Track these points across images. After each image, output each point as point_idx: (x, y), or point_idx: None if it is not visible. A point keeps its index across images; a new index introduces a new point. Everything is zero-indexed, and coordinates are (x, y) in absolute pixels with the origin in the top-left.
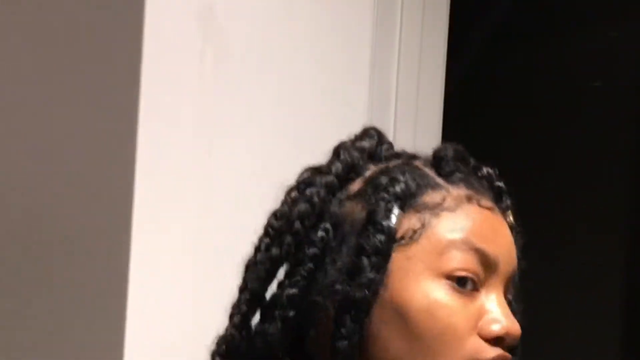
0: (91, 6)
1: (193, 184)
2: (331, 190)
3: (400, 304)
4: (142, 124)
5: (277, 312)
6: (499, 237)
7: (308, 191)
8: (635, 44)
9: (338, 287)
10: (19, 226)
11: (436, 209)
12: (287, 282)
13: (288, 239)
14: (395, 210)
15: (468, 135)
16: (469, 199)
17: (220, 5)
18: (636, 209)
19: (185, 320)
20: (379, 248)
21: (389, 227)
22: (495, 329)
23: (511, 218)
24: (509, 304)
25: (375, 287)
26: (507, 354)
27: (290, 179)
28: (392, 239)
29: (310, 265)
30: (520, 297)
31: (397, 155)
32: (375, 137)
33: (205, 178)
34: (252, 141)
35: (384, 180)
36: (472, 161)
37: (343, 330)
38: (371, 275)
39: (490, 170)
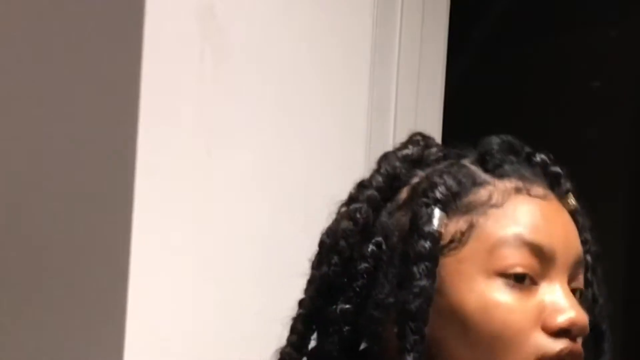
0: (91, 6)
1: (193, 183)
2: (375, 204)
3: (456, 308)
4: (142, 124)
5: (331, 329)
6: (553, 225)
7: (352, 207)
8: (635, 44)
9: (391, 299)
10: (19, 226)
11: (483, 207)
12: (341, 298)
13: (334, 257)
14: (437, 214)
15: (468, 135)
16: (517, 190)
17: (220, 5)
18: (636, 209)
19: (185, 320)
20: (424, 255)
21: (432, 232)
22: (558, 320)
23: (572, 201)
24: (579, 293)
25: (428, 294)
26: (577, 345)
27: (289, 179)
28: (437, 243)
29: (363, 280)
30: (602, 283)
31: (445, 156)
32: (421, 142)
33: (205, 178)
34: (252, 141)
35: (424, 185)
36: (525, 149)
37: (407, 345)
38: (422, 282)
39: (544, 156)
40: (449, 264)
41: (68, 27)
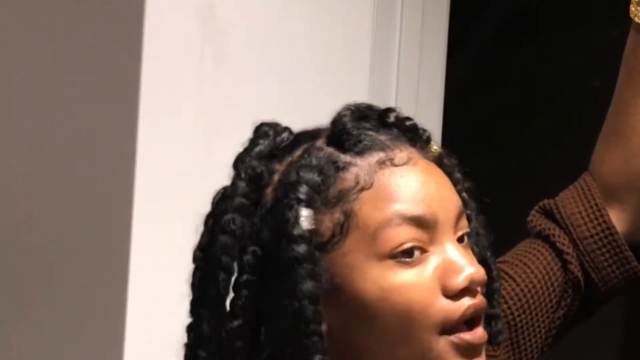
0: (91, 6)
1: (193, 183)
2: (246, 211)
3: (356, 301)
4: (142, 124)
5: (225, 346)
6: (426, 189)
7: (224, 220)
8: None
9: (279, 307)
10: (19, 226)
11: (353, 192)
12: (229, 314)
13: (220, 274)
14: (303, 213)
15: (468, 135)
16: (381, 164)
17: (220, 5)
18: None
19: (185, 320)
20: (299, 259)
21: (302, 235)
22: (457, 281)
23: (435, 147)
24: (466, 235)
25: (313, 295)
26: (479, 298)
27: None
28: (310, 244)
29: (246, 291)
30: (479, 214)
31: (298, 140)
32: (269, 133)
33: (205, 177)
34: None
35: (284, 184)
36: (376, 111)
37: (310, 348)
38: (304, 286)
39: (396, 113)
40: (336, 258)
41: (68, 27)
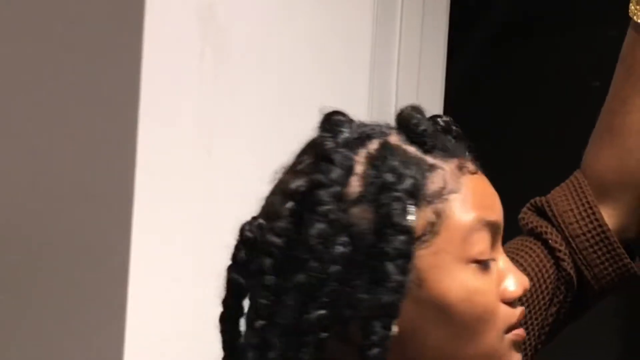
0: (91, 6)
1: (193, 183)
2: (339, 200)
3: (439, 299)
4: (142, 124)
5: (308, 338)
6: (494, 197)
7: (320, 208)
8: None
9: (365, 296)
10: (19, 226)
11: (443, 194)
12: (311, 303)
13: (313, 263)
14: (411, 208)
15: (468, 135)
16: (460, 169)
17: (220, 5)
18: None
19: (185, 320)
20: (401, 251)
21: (408, 227)
22: (515, 290)
23: (472, 157)
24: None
25: (403, 289)
26: (523, 308)
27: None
28: (412, 238)
29: (334, 283)
30: None
31: (368, 135)
32: (346, 121)
33: (205, 178)
34: (252, 141)
35: (388, 178)
36: (429, 116)
37: (374, 338)
38: (398, 278)
39: (445, 118)
40: (424, 256)
41: (68, 27)
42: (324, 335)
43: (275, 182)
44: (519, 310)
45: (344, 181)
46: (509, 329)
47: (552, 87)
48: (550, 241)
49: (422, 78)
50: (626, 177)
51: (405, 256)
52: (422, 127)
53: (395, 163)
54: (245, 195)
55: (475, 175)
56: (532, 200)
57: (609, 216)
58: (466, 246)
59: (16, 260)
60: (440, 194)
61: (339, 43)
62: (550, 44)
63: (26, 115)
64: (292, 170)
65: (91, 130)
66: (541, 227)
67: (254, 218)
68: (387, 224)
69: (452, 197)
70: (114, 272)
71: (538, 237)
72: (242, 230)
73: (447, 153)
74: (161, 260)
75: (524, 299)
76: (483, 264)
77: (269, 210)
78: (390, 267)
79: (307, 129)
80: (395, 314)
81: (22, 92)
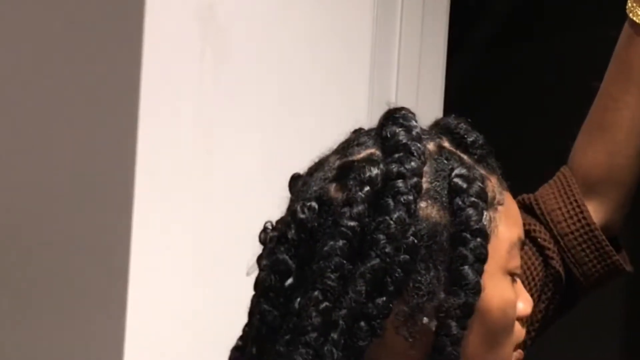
0: (91, 6)
1: (193, 183)
2: (418, 192)
3: (481, 304)
4: (142, 123)
5: (373, 323)
6: (520, 216)
7: (403, 198)
8: None
9: (442, 294)
10: (19, 226)
11: (494, 203)
12: (381, 290)
13: (388, 248)
14: (485, 212)
15: None
16: (500, 184)
17: (220, 5)
18: (636, 206)
19: (185, 320)
20: (479, 254)
21: (484, 231)
22: (527, 309)
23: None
24: None
25: (480, 290)
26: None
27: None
28: (487, 241)
29: (400, 273)
30: None
31: (424, 131)
32: (412, 115)
33: (205, 177)
34: (252, 140)
35: (458, 181)
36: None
37: (450, 337)
38: (476, 280)
39: (477, 135)
40: None
41: (68, 27)
42: (379, 323)
43: (321, 168)
44: (524, 330)
45: (420, 173)
46: (515, 347)
47: (552, 87)
48: (539, 239)
49: (422, 78)
50: (614, 173)
51: (482, 259)
52: (472, 138)
53: (461, 166)
54: (245, 195)
55: (508, 192)
56: (519, 198)
57: (595, 212)
58: (508, 258)
59: (16, 260)
60: (492, 203)
61: (339, 43)
62: (550, 44)
63: (26, 115)
64: (353, 159)
65: (91, 130)
66: (530, 224)
67: (302, 201)
68: (465, 228)
69: (499, 208)
70: (114, 272)
71: (526, 234)
72: (295, 212)
73: (489, 166)
74: (161, 260)
75: None
76: (514, 278)
77: (323, 194)
78: (469, 269)
79: (307, 129)
80: (471, 314)
81: (22, 92)
